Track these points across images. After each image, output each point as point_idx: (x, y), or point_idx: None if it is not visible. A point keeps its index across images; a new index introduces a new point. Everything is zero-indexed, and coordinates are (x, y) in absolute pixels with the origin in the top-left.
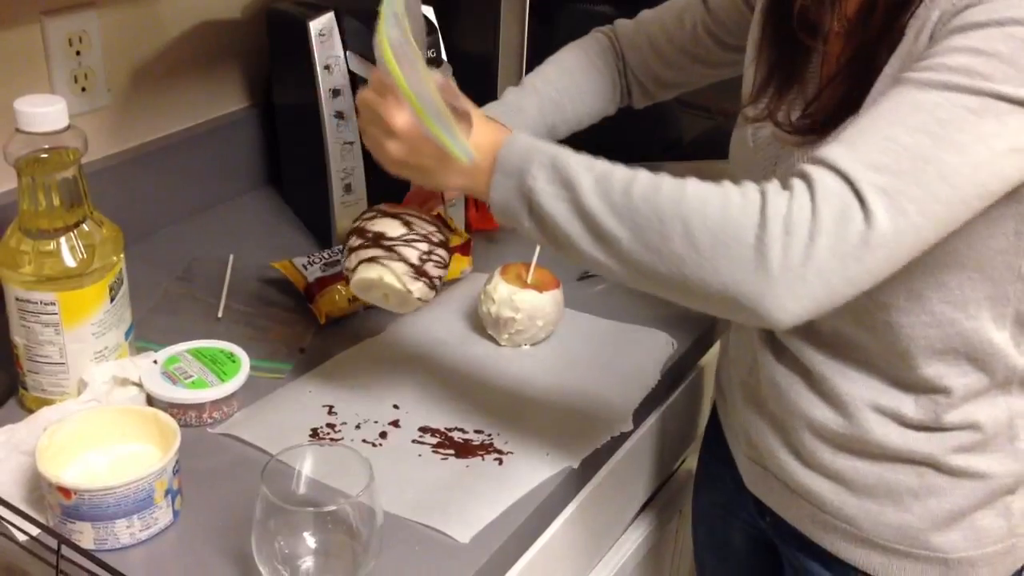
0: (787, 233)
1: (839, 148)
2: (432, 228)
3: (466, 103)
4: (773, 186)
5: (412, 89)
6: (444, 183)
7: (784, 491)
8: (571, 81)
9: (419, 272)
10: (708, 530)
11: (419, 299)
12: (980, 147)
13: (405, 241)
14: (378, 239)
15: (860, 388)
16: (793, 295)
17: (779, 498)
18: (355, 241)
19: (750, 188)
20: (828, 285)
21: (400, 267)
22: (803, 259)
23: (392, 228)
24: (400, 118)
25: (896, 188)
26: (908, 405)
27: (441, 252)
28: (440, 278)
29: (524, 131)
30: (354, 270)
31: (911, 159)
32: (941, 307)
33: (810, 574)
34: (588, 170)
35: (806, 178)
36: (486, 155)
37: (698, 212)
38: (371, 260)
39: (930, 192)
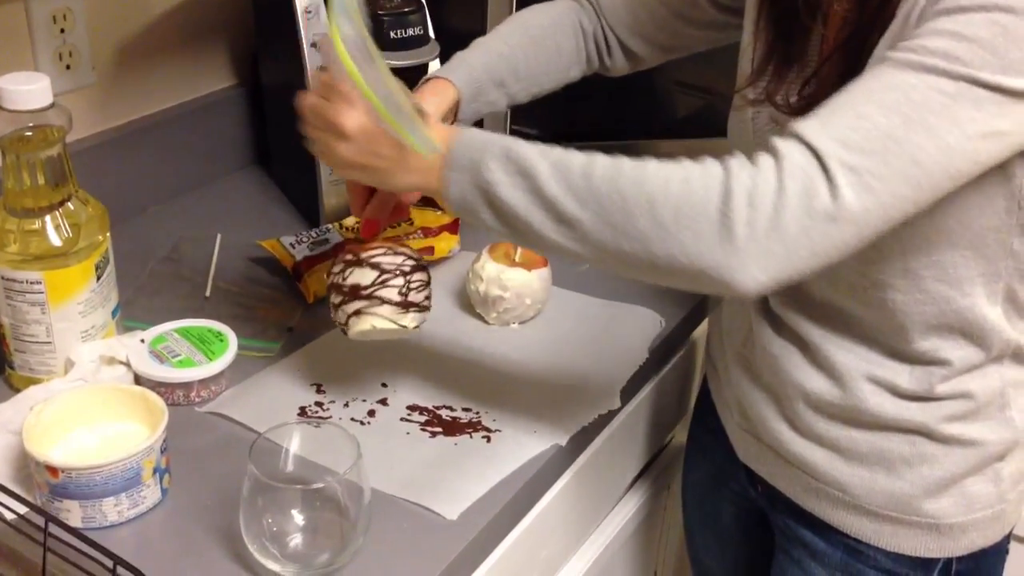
0: (751, 206)
1: (812, 122)
2: (400, 258)
3: (421, 101)
4: (737, 160)
5: (371, 86)
6: (397, 183)
7: (777, 460)
8: (527, 39)
9: (405, 305)
10: (697, 502)
11: (416, 327)
12: (954, 131)
13: (381, 283)
14: (355, 292)
15: (856, 359)
16: (759, 266)
17: (772, 467)
18: (336, 298)
19: (711, 163)
20: (793, 256)
21: (385, 310)
22: (767, 231)
23: (364, 277)
24: (350, 120)
25: (864, 166)
26: (903, 376)
27: (418, 276)
28: (427, 297)
29: (466, 83)
30: (346, 324)
31: (882, 138)
32: (935, 285)
33: (801, 542)
34: (544, 157)
35: (774, 152)
36: (438, 153)
37: (660, 189)
38: (357, 313)
39: (898, 172)
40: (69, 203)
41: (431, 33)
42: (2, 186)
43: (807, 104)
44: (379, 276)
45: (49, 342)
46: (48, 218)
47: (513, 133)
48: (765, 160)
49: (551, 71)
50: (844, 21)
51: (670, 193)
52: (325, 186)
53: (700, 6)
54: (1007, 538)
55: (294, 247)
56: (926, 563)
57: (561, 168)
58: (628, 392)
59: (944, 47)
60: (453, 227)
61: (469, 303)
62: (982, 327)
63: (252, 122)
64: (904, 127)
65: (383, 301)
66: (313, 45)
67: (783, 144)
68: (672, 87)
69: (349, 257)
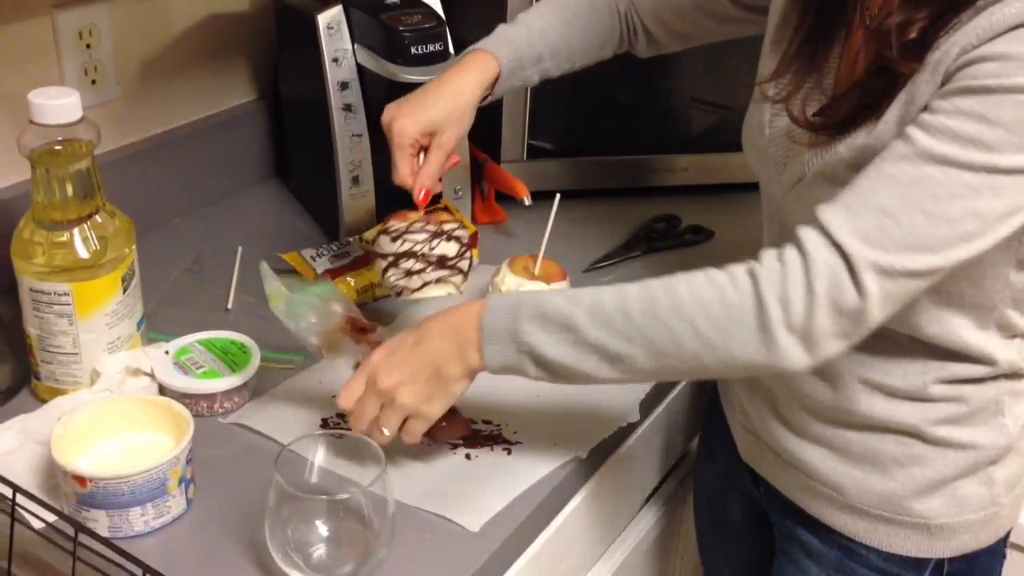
0: (785, 310)
1: (837, 215)
2: (465, 232)
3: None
4: (765, 266)
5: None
6: (452, 373)
7: (776, 460)
8: (566, 18)
9: (467, 275)
10: (707, 502)
11: (462, 291)
12: (976, 222)
13: (460, 256)
14: (443, 262)
15: (851, 363)
16: (801, 354)
17: (771, 467)
18: (417, 265)
19: (740, 275)
20: (831, 343)
21: (459, 279)
22: (804, 329)
23: (449, 249)
24: (385, 378)
25: (889, 263)
26: (896, 379)
27: (467, 252)
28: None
29: (509, 59)
30: (420, 289)
31: (906, 237)
32: (935, 330)
33: (799, 542)
34: (576, 305)
35: (801, 248)
36: (466, 330)
37: (701, 313)
38: (438, 281)
39: (922, 264)
40: (97, 216)
41: (451, 49)
42: (31, 198)
43: (822, 124)
44: (461, 249)
45: (76, 353)
46: (76, 231)
47: (531, 148)
48: (792, 257)
49: (587, 49)
50: (865, 41)
51: (710, 315)
52: (345, 199)
53: (720, 2)
54: (1003, 542)
55: (314, 260)
56: (917, 563)
57: (597, 312)
58: (647, 405)
59: (970, 132)
60: (472, 240)
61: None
62: (974, 349)
63: (272, 135)
64: (928, 224)
65: (461, 272)
66: (335, 60)
67: (809, 239)
68: (687, 103)
69: (433, 228)
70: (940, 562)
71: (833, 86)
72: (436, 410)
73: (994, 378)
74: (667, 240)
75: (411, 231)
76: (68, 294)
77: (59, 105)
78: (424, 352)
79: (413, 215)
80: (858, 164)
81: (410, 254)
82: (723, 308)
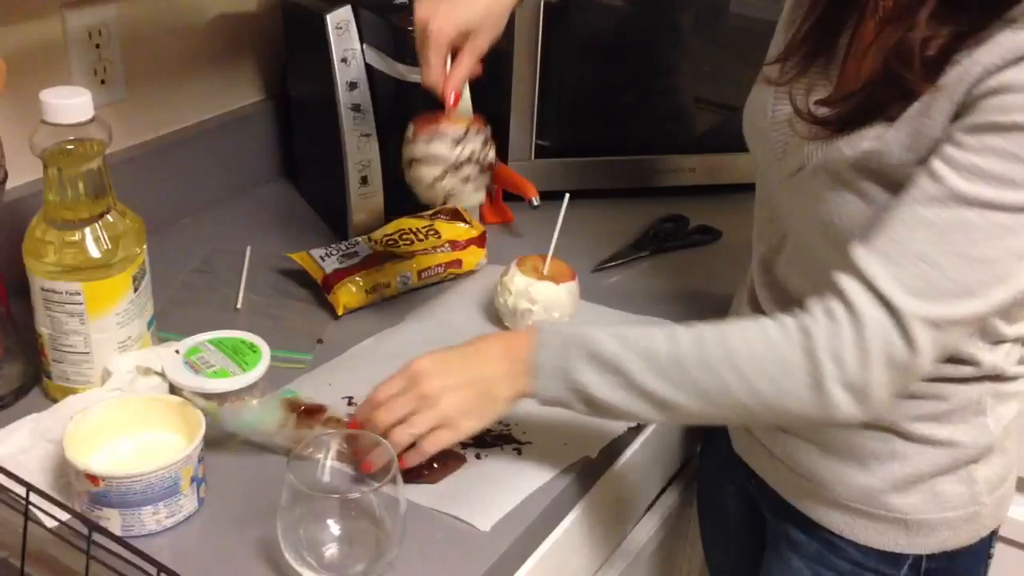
0: (838, 366)
1: (879, 265)
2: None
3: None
4: (816, 320)
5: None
6: (499, 399)
7: (764, 454)
8: None
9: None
10: (708, 496)
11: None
12: (1011, 260)
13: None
14: (491, 168)
15: None
16: (853, 407)
17: (761, 461)
18: (472, 170)
19: (791, 329)
20: (883, 395)
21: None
22: (859, 384)
23: (492, 155)
24: (427, 383)
25: (937, 314)
26: None
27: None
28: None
29: None
30: (464, 195)
31: (949, 285)
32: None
33: (785, 534)
34: (628, 348)
35: (849, 305)
36: (520, 357)
37: (754, 366)
38: (478, 187)
39: (968, 310)
40: (108, 215)
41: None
42: (43, 198)
43: (824, 120)
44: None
45: (87, 352)
46: (88, 230)
47: (538, 148)
48: (841, 314)
49: None
50: (876, 34)
51: (764, 370)
52: (354, 199)
53: None
54: (987, 542)
55: (323, 260)
56: (896, 558)
57: (650, 358)
58: None
59: (1002, 171)
60: (480, 240)
61: (498, 316)
62: (958, 355)
63: (280, 135)
64: (968, 269)
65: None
66: (344, 60)
67: (855, 293)
68: (694, 103)
69: (485, 133)
70: (918, 559)
71: (838, 76)
72: (471, 426)
73: (978, 379)
74: (675, 240)
75: (469, 136)
76: (80, 293)
77: (71, 104)
78: (477, 365)
79: (453, 120)
80: (863, 167)
81: (471, 160)
82: (777, 364)
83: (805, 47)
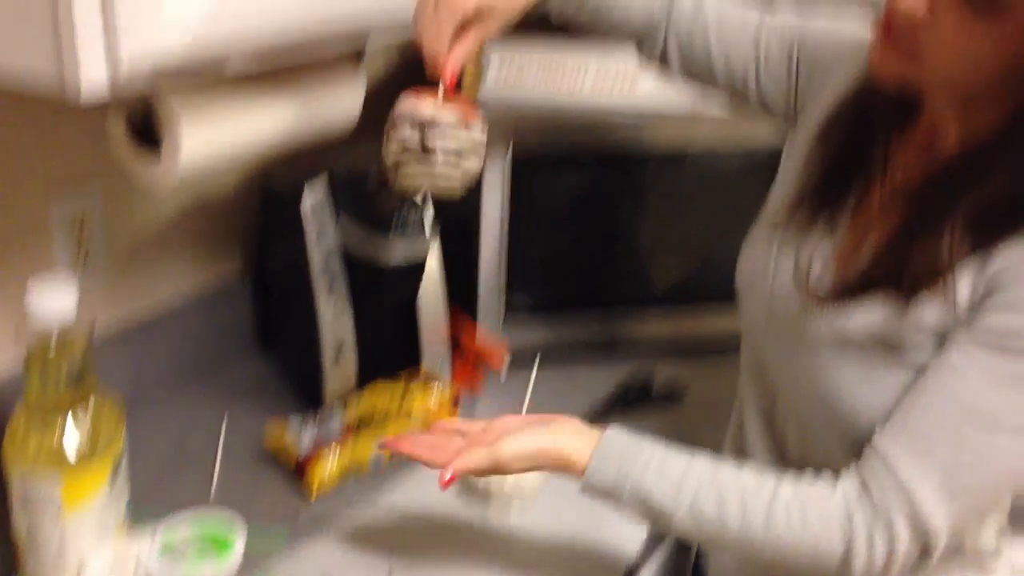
0: (867, 564)
1: (912, 466)
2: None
3: None
4: (857, 525)
5: None
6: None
7: None
8: None
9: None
10: None
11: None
12: None
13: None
14: (479, 147)
15: None
16: None
17: None
18: (473, 160)
19: (834, 524)
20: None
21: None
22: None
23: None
24: (503, 448)
25: (959, 509)
26: None
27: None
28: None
29: None
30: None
31: (981, 499)
32: None
33: None
34: (678, 505)
35: (887, 519)
36: (585, 448)
37: (793, 547)
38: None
39: (984, 500)
40: (88, 407)
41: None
42: (24, 390)
43: (824, 295)
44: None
45: (62, 546)
46: (68, 422)
47: (511, 302)
48: (879, 528)
49: (631, 19)
50: (880, 217)
51: (802, 552)
52: (328, 367)
53: (748, 90)
54: None
55: (301, 429)
56: None
57: (698, 517)
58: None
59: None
60: (453, 403)
61: (472, 487)
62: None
63: (257, 305)
64: (1000, 483)
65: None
66: (318, 237)
67: (894, 505)
68: (656, 255)
69: (473, 135)
70: None
71: (841, 242)
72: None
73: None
74: (640, 403)
75: (448, 126)
76: (57, 487)
77: (57, 305)
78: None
79: (446, 100)
80: (883, 341)
81: (446, 151)
82: (813, 551)
83: (815, 198)
